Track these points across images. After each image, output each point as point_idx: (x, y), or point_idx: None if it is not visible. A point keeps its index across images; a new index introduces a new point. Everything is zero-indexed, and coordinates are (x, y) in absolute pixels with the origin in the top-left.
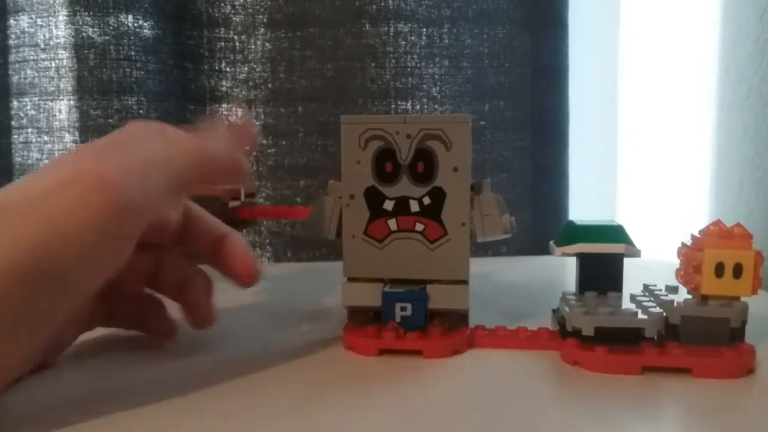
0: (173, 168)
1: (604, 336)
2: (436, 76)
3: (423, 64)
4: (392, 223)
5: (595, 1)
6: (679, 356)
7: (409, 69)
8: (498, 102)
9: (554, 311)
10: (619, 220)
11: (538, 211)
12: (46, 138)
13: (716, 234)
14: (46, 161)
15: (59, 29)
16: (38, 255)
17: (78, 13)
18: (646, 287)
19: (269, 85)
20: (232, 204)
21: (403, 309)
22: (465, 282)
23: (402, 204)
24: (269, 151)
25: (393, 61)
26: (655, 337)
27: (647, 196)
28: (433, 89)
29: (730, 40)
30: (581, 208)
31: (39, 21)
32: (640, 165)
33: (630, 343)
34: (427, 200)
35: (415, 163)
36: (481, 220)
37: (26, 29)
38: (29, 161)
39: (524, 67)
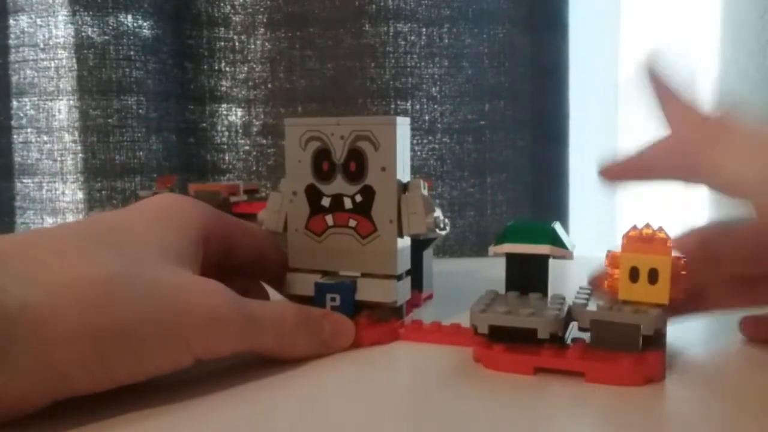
0: None
1: (502, 335)
2: (436, 76)
3: (423, 63)
4: (329, 219)
5: (595, 1)
6: (573, 359)
7: (408, 69)
8: (498, 102)
9: None
10: (620, 220)
11: (538, 211)
12: (45, 138)
13: (636, 238)
14: (46, 161)
15: (59, 29)
16: None
17: (77, 13)
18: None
19: (269, 85)
20: (233, 199)
21: (332, 299)
22: (394, 277)
23: (337, 201)
24: (269, 151)
25: (393, 60)
26: (548, 338)
27: (648, 197)
28: (433, 89)
29: (731, 40)
30: (581, 208)
31: (39, 21)
32: None
33: (530, 342)
34: (359, 198)
35: (348, 162)
36: (408, 217)
37: (26, 29)
38: (29, 161)
39: (524, 66)
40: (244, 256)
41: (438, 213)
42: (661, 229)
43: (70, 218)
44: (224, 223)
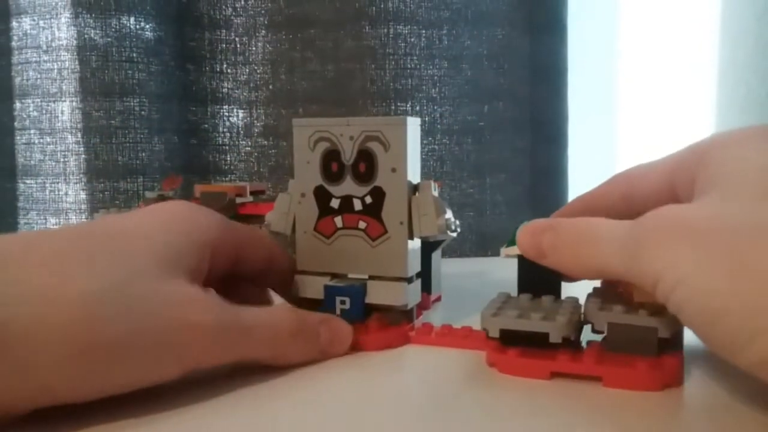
0: None
1: (513, 338)
2: (436, 78)
3: (422, 65)
4: (338, 221)
5: (594, 3)
6: (590, 364)
7: (408, 70)
8: (497, 103)
9: None
10: None
11: (537, 212)
12: (48, 139)
13: None
14: (49, 162)
15: (61, 31)
16: None
17: (80, 15)
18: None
19: (270, 87)
20: (239, 200)
21: (342, 302)
22: (404, 279)
23: (347, 202)
24: (270, 152)
25: (393, 62)
26: (560, 342)
27: None
28: (433, 90)
29: (729, 41)
30: None
31: (41, 23)
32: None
33: (544, 346)
34: (368, 199)
35: (358, 163)
36: (419, 219)
37: (29, 31)
38: (32, 162)
39: (523, 68)
40: (253, 266)
41: (449, 215)
42: None
43: (73, 219)
44: (233, 233)
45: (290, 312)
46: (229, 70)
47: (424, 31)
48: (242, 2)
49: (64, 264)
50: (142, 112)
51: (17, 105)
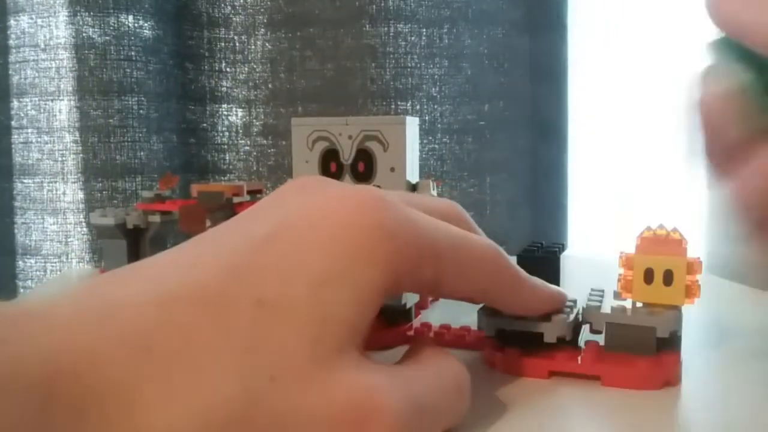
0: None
1: (510, 338)
2: (436, 77)
3: (423, 64)
4: None
5: (595, 1)
6: (588, 363)
7: (409, 69)
8: (498, 102)
9: None
10: (619, 220)
11: (537, 211)
12: (46, 138)
13: (650, 239)
14: (47, 161)
15: (59, 29)
16: None
17: (78, 14)
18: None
19: (269, 86)
20: (236, 200)
21: None
22: None
23: None
24: (269, 151)
25: (393, 61)
26: (556, 342)
27: (647, 197)
28: (433, 89)
29: None
30: (581, 208)
31: (39, 21)
32: (640, 165)
33: (541, 346)
34: None
35: (356, 163)
36: None
37: (27, 29)
38: (29, 161)
39: (524, 67)
40: (464, 288)
41: None
42: (675, 230)
43: (70, 218)
44: (435, 261)
45: (456, 366)
46: (228, 69)
47: (424, 30)
48: (241, 0)
49: (198, 372)
50: (141, 111)
51: (15, 104)
